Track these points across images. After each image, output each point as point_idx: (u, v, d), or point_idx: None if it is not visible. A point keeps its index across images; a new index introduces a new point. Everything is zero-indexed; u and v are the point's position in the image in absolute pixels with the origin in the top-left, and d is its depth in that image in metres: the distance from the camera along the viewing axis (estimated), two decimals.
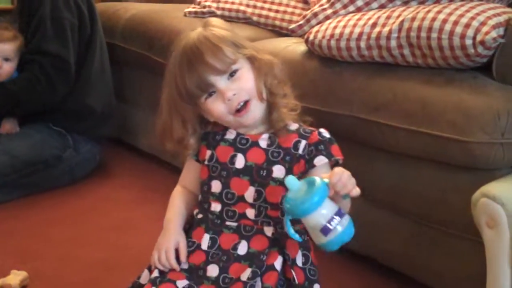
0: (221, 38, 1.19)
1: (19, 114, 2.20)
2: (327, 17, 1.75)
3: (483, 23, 1.32)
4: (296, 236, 1.12)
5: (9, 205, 2.04)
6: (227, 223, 1.21)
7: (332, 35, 1.59)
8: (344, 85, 1.58)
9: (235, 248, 1.19)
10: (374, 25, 1.52)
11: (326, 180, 1.06)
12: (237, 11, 2.32)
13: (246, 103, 1.19)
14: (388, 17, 1.50)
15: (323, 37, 1.61)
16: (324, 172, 1.12)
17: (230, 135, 1.25)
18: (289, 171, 1.19)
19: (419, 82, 1.43)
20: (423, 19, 1.40)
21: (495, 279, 1.23)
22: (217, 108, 1.20)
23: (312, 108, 1.49)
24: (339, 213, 1.06)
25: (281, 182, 1.17)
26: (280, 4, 2.27)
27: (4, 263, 1.65)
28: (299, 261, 1.19)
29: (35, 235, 1.86)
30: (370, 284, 1.63)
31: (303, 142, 1.22)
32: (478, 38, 1.31)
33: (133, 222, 1.96)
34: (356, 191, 1.07)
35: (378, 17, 1.53)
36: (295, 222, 1.16)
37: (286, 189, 1.10)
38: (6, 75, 2.13)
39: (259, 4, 2.30)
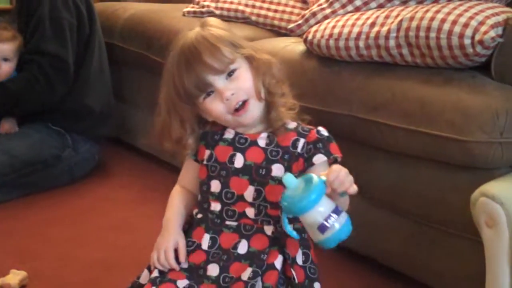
0: (219, 37, 1.19)
1: (18, 114, 2.20)
2: (325, 17, 1.76)
3: (481, 23, 1.32)
4: (294, 233, 1.12)
5: (8, 205, 2.04)
6: (227, 222, 1.21)
7: (330, 35, 1.59)
8: (343, 84, 1.58)
9: (235, 247, 1.19)
10: (372, 24, 1.52)
11: (324, 178, 1.07)
12: (236, 10, 2.32)
13: (244, 102, 1.19)
14: (387, 17, 1.50)
15: (322, 36, 1.61)
16: (323, 170, 1.12)
17: (229, 134, 1.25)
18: (288, 170, 1.19)
19: (417, 82, 1.43)
20: (421, 18, 1.40)
21: (494, 278, 1.23)
22: (215, 107, 1.20)
23: (311, 108, 1.48)
24: (337, 211, 1.06)
25: (280, 181, 1.17)
26: (279, 3, 2.27)
27: (3, 263, 1.65)
28: (299, 259, 1.19)
29: (34, 235, 1.86)
30: (369, 284, 1.63)
31: (302, 141, 1.22)
32: (477, 37, 1.31)
33: (132, 222, 1.96)
34: (354, 189, 1.07)
35: (377, 17, 1.53)
36: (294, 220, 1.17)
37: (285, 187, 1.10)
38: (5, 75, 2.13)
39: (258, 3, 2.30)
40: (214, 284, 1.16)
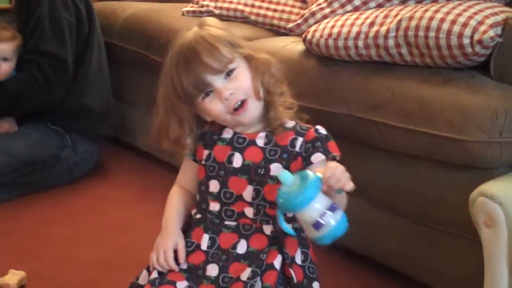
0: (217, 37, 1.19)
1: (17, 114, 2.20)
2: (325, 16, 1.75)
3: (480, 22, 1.32)
4: (290, 230, 1.12)
5: (7, 205, 2.04)
6: (226, 222, 1.21)
7: (330, 34, 1.59)
8: (342, 84, 1.58)
9: (234, 247, 1.19)
10: (372, 24, 1.52)
11: (320, 175, 1.06)
12: (235, 10, 2.32)
13: (243, 102, 1.19)
14: (386, 16, 1.50)
15: (321, 36, 1.61)
16: None
17: (227, 134, 1.25)
18: (286, 169, 1.19)
19: (416, 81, 1.43)
20: (420, 18, 1.40)
21: (493, 278, 1.23)
22: (214, 107, 1.20)
23: (310, 107, 1.49)
24: (332, 208, 1.06)
25: (279, 180, 1.17)
26: (278, 3, 2.27)
27: (2, 263, 1.64)
28: (298, 259, 1.19)
29: (33, 235, 1.85)
30: (368, 283, 1.63)
31: (300, 139, 1.22)
32: (476, 37, 1.31)
33: (132, 222, 1.96)
34: (350, 186, 1.07)
35: (376, 16, 1.53)
36: (292, 220, 1.17)
37: (281, 184, 1.10)
38: (5, 75, 2.13)
39: (257, 3, 2.30)
40: (213, 285, 1.16)
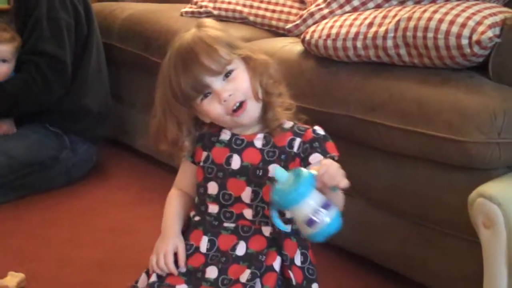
0: (215, 38, 1.19)
1: (15, 115, 2.20)
2: (323, 17, 1.75)
3: (479, 23, 1.32)
4: (283, 226, 1.12)
5: (5, 207, 2.03)
6: (225, 224, 1.21)
7: (328, 35, 1.59)
8: (341, 85, 1.57)
9: (233, 249, 1.18)
10: (370, 24, 1.52)
11: (314, 172, 1.06)
12: (234, 11, 2.32)
13: (242, 103, 1.19)
14: (385, 17, 1.50)
15: (320, 37, 1.61)
16: None
17: (225, 136, 1.24)
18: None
19: (415, 82, 1.43)
20: (419, 18, 1.40)
21: (492, 279, 1.23)
22: (213, 109, 1.20)
23: (308, 108, 1.49)
24: (326, 205, 1.05)
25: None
26: (276, 4, 2.26)
27: (1, 265, 1.64)
28: (298, 260, 1.19)
29: (32, 237, 1.85)
30: (367, 284, 1.63)
31: (298, 140, 1.22)
32: (474, 37, 1.31)
33: (131, 223, 1.96)
34: (345, 183, 1.06)
35: (375, 17, 1.53)
36: (291, 221, 1.17)
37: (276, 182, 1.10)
38: (3, 76, 2.12)
39: (255, 4, 2.30)
40: (212, 287, 1.16)
